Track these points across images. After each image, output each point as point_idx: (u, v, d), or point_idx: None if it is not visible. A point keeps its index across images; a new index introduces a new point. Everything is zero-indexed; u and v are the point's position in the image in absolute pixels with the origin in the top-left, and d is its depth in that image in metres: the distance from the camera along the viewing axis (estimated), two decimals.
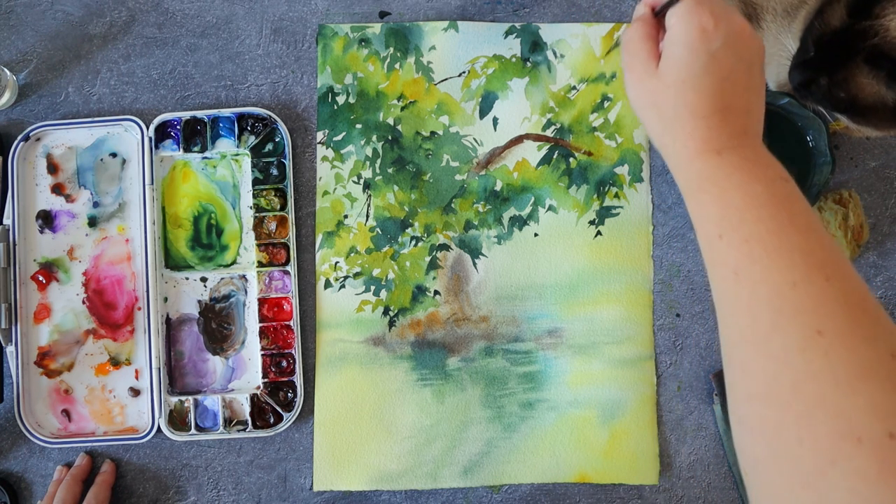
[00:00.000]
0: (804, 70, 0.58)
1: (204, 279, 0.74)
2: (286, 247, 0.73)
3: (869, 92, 0.56)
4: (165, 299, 0.73)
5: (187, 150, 0.74)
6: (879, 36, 0.53)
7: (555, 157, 0.74)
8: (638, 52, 0.47)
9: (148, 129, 0.73)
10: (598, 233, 0.74)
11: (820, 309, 0.39)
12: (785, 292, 0.40)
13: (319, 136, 0.75)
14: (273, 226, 0.73)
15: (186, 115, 0.73)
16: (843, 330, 0.38)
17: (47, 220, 0.74)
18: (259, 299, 0.72)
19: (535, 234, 0.74)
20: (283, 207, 0.73)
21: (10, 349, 0.72)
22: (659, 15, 0.49)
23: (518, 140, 0.75)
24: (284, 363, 0.72)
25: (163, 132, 0.74)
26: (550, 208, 0.74)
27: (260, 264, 0.73)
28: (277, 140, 0.74)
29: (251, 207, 0.73)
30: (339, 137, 0.75)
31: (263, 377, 0.72)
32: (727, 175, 0.44)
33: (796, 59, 0.60)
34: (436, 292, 0.73)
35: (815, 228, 0.42)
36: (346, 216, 0.74)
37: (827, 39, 0.56)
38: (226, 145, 0.74)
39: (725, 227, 0.44)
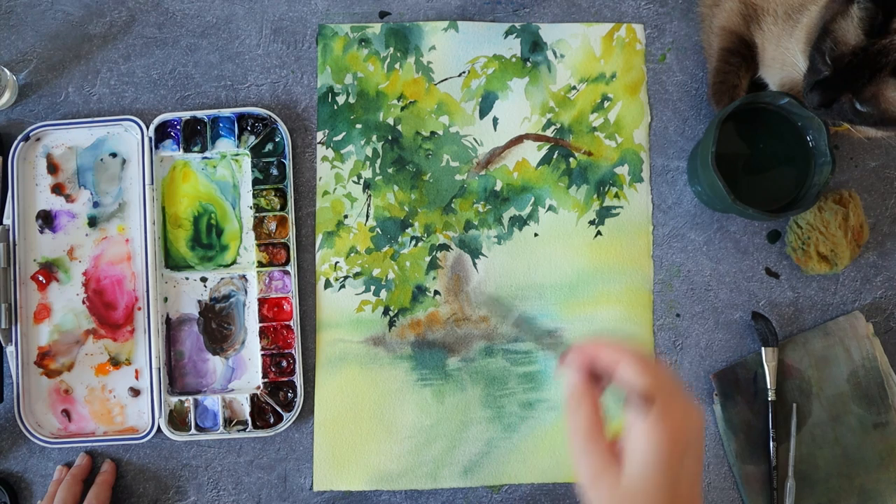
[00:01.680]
0: (824, 91, 0.58)
1: (204, 279, 0.74)
2: (286, 247, 0.73)
3: None
4: (165, 299, 0.73)
5: (187, 150, 0.73)
6: None
7: (555, 157, 0.74)
8: (588, 453, 0.42)
9: (148, 129, 0.73)
10: (598, 233, 0.74)
11: None
12: None
13: (319, 136, 0.75)
14: (273, 226, 0.73)
15: (186, 115, 0.73)
16: None
17: (47, 220, 0.74)
18: (259, 299, 0.72)
19: (535, 234, 0.74)
20: (283, 207, 0.73)
21: (10, 349, 0.72)
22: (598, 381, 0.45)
23: (518, 140, 0.74)
24: (284, 363, 0.72)
25: (163, 132, 0.74)
26: (550, 208, 0.74)
27: (260, 264, 0.73)
28: (277, 140, 0.74)
29: (251, 207, 0.73)
30: (339, 137, 0.75)
31: (263, 377, 0.72)
32: None
33: (810, 78, 0.59)
34: (436, 292, 0.73)
35: None
36: (346, 216, 0.74)
37: (847, 60, 0.55)
38: (226, 145, 0.74)
39: None
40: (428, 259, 0.74)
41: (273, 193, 0.73)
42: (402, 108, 0.75)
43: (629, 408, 0.42)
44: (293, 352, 0.72)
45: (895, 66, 0.54)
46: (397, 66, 0.75)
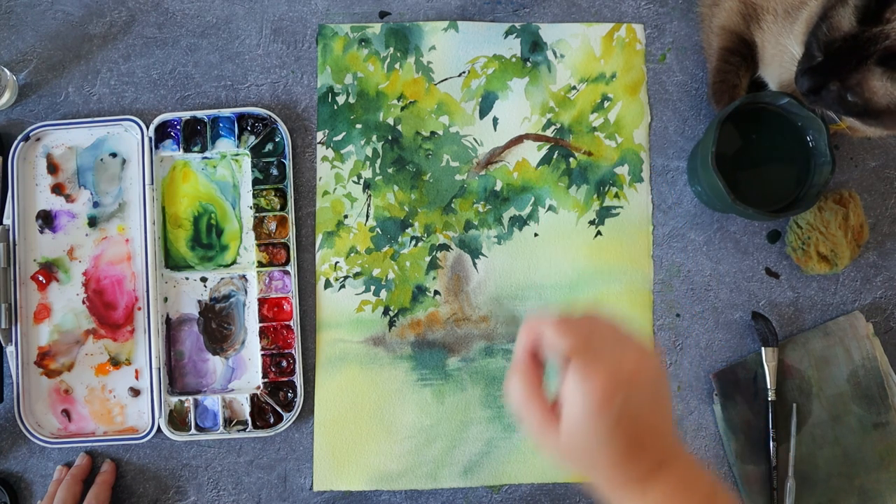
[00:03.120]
0: (813, 76, 0.58)
1: (204, 279, 0.74)
2: (286, 247, 0.73)
3: (882, 94, 0.56)
4: (165, 299, 0.73)
5: (187, 150, 0.73)
6: (892, 39, 0.54)
7: (555, 157, 0.74)
8: (528, 414, 0.44)
9: (148, 129, 0.73)
10: (598, 233, 0.74)
11: None
12: None
13: (319, 136, 0.75)
14: (273, 226, 0.73)
15: (186, 115, 0.73)
16: None
17: (47, 220, 0.74)
18: (259, 299, 0.72)
19: (535, 234, 0.74)
20: (283, 207, 0.73)
21: (10, 349, 0.72)
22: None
23: (518, 140, 0.74)
24: (284, 363, 0.72)
25: (163, 132, 0.74)
26: (550, 208, 0.74)
27: (260, 264, 0.73)
28: (277, 140, 0.74)
29: (251, 207, 0.73)
30: (339, 137, 0.75)
31: (263, 377, 0.72)
32: None
33: (803, 64, 0.60)
34: (436, 292, 0.73)
35: None
36: (346, 216, 0.74)
37: (837, 45, 0.56)
38: (226, 145, 0.74)
39: None
40: (428, 259, 0.74)
41: (273, 193, 0.73)
42: (402, 108, 0.75)
43: (561, 371, 0.43)
44: (293, 352, 0.72)
45: (882, 56, 0.54)
46: (397, 66, 0.75)
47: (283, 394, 0.72)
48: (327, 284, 0.73)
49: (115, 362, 0.73)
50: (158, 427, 0.71)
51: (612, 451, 0.42)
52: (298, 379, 0.71)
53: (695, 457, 0.44)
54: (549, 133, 0.74)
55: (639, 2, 0.76)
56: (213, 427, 0.72)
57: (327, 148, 0.75)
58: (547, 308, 0.41)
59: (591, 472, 0.44)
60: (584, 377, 0.41)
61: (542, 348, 0.45)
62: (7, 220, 0.73)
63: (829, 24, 0.57)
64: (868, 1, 0.54)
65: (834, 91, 0.58)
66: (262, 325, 0.72)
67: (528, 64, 0.75)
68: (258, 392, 0.72)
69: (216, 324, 0.73)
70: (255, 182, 0.73)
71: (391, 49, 0.75)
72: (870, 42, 0.55)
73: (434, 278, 0.73)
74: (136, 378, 0.73)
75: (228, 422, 0.72)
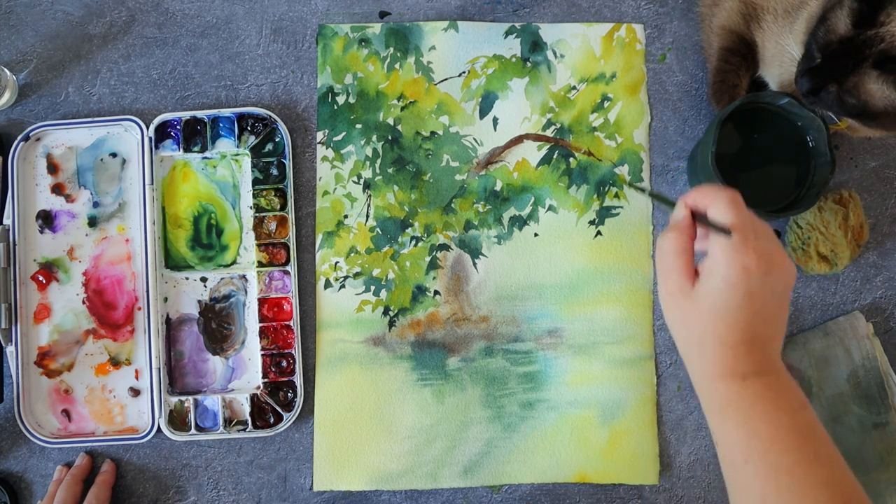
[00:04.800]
0: (812, 78, 0.59)
1: (204, 279, 0.74)
2: (286, 247, 0.73)
3: (879, 96, 0.56)
4: (165, 299, 0.73)
5: (187, 150, 0.73)
6: (886, 42, 0.54)
7: (555, 157, 0.74)
8: (673, 268, 0.48)
9: (148, 129, 0.73)
10: (598, 233, 0.74)
11: None
12: None
13: (319, 136, 0.75)
14: (273, 226, 0.73)
15: (186, 115, 0.73)
16: None
17: (47, 220, 0.74)
18: (259, 299, 0.72)
19: (535, 234, 0.74)
20: (283, 207, 0.73)
21: (10, 349, 0.72)
22: (700, 222, 0.49)
23: (518, 140, 0.74)
24: (284, 363, 0.72)
25: (163, 132, 0.74)
26: (550, 208, 0.74)
27: (260, 264, 0.73)
28: (277, 140, 0.74)
29: (251, 207, 0.73)
30: (339, 137, 0.75)
31: (263, 377, 0.72)
32: (751, 403, 0.46)
33: (802, 65, 0.60)
34: (436, 292, 0.73)
35: (837, 461, 0.45)
36: (346, 216, 0.74)
37: (834, 48, 0.56)
38: (226, 145, 0.74)
39: (751, 455, 0.45)
40: (428, 259, 0.74)
41: (273, 193, 0.73)
42: (402, 108, 0.75)
43: (713, 237, 0.46)
44: (293, 352, 0.72)
45: (877, 58, 0.55)
46: (397, 66, 0.75)
47: (283, 394, 0.72)
48: (327, 284, 0.73)
49: (115, 362, 0.73)
50: (158, 427, 0.71)
51: (730, 329, 0.45)
52: (298, 379, 0.71)
53: (790, 375, 0.48)
54: (549, 133, 0.74)
55: (639, 2, 0.76)
56: (213, 427, 0.72)
57: (327, 148, 0.75)
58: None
59: (696, 351, 0.47)
60: (738, 249, 0.45)
61: (705, 214, 0.48)
62: (7, 220, 0.73)
63: (826, 27, 0.57)
64: (861, 4, 0.55)
65: (833, 93, 0.58)
66: (262, 325, 0.72)
67: (528, 64, 0.75)
68: (258, 392, 0.72)
69: (216, 324, 0.73)
70: (255, 182, 0.73)
71: (391, 49, 0.75)
72: (865, 45, 0.55)
73: (434, 278, 0.74)
74: (136, 378, 0.73)
75: (228, 422, 0.72)
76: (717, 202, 0.47)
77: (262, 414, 0.72)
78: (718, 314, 0.46)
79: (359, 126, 0.75)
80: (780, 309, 0.47)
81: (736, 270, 0.45)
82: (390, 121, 0.75)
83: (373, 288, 0.73)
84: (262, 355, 0.72)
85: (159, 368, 0.71)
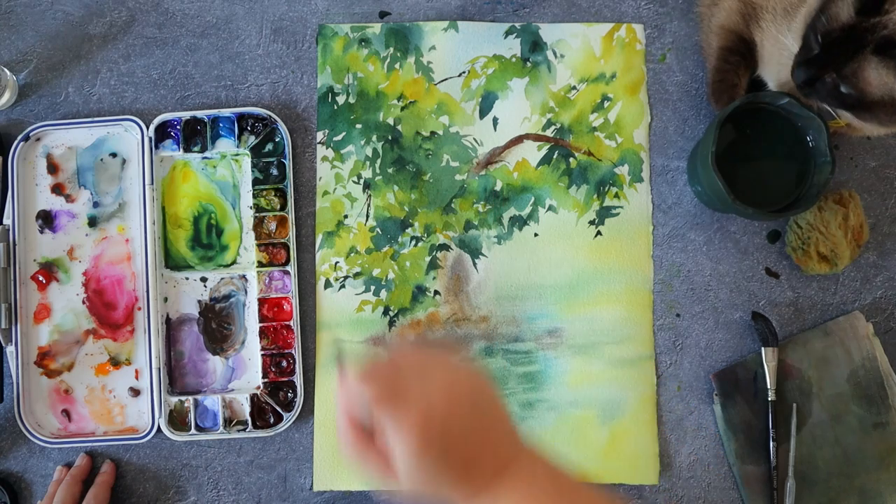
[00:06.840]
0: (809, 67, 0.58)
1: (204, 279, 0.74)
2: (286, 247, 0.73)
3: (877, 85, 0.56)
4: (165, 299, 0.73)
5: (187, 150, 0.74)
6: (890, 28, 0.54)
7: (555, 157, 0.74)
8: (367, 471, 0.44)
9: (148, 129, 0.73)
10: (598, 233, 0.74)
11: None
12: None
13: (319, 136, 0.75)
14: (273, 226, 0.73)
15: (186, 115, 0.73)
16: None
17: (47, 220, 0.74)
18: (259, 299, 0.72)
19: (535, 234, 0.74)
20: (283, 207, 0.73)
21: (10, 349, 0.72)
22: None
23: (518, 140, 0.74)
24: (284, 363, 0.72)
25: (163, 132, 0.74)
26: (550, 208, 0.74)
27: (260, 264, 0.73)
28: (277, 140, 0.74)
29: (251, 207, 0.73)
30: (339, 137, 0.75)
31: (263, 377, 0.72)
32: None
33: (800, 57, 0.60)
34: (436, 292, 0.73)
35: None
36: (346, 216, 0.74)
37: (835, 36, 0.56)
38: (226, 145, 0.74)
39: None
40: (428, 259, 0.74)
41: (273, 193, 0.73)
42: (402, 108, 0.75)
43: (377, 421, 0.43)
44: (293, 352, 0.72)
45: (878, 44, 0.55)
46: (397, 66, 0.75)
47: (283, 394, 0.72)
48: (327, 284, 0.73)
49: (115, 362, 0.73)
50: (158, 427, 0.71)
51: (449, 478, 0.42)
52: (298, 379, 0.71)
53: (544, 453, 0.45)
54: (549, 133, 0.74)
55: (639, 2, 0.76)
56: (213, 427, 0.72)
57: (327, 148, 0.75)
58: (353, 358, 0.44)
59: (442, 498, 0.44)
60: (395, 427, 0.41)
61: (356, 406, 0.44)
62: (7, 220, 0.73)
63: (827, 16, 0.57)
64: None
65: (829, 83, 0.58)
66: (262, 325, 0.72)
67: (528, 64, 0.75)
68: (258, 392, 0.72)
69: (216, 324, 0.73)
70: (255, 182, 0.73)
71: (391, 49, 0.75)
72: (867, 32, 0.55)
73: (434, 278, 0.73)
74: (136, 378, 0.73)
75: (228, 422, 0.72)
76: (354, 386, 0.44)
77: (262, 414, 0.72)
78: (429, 478, 0.42)
79: (359, 126, 0.75)
80: (479, 414, 0.44)
81: (412, 447, 0.41)
82: (390, 121, 0.75)
83: (373, 288, 0.73)
84: (262, 355, 0.72)
85: (159, 368, 0.71)
